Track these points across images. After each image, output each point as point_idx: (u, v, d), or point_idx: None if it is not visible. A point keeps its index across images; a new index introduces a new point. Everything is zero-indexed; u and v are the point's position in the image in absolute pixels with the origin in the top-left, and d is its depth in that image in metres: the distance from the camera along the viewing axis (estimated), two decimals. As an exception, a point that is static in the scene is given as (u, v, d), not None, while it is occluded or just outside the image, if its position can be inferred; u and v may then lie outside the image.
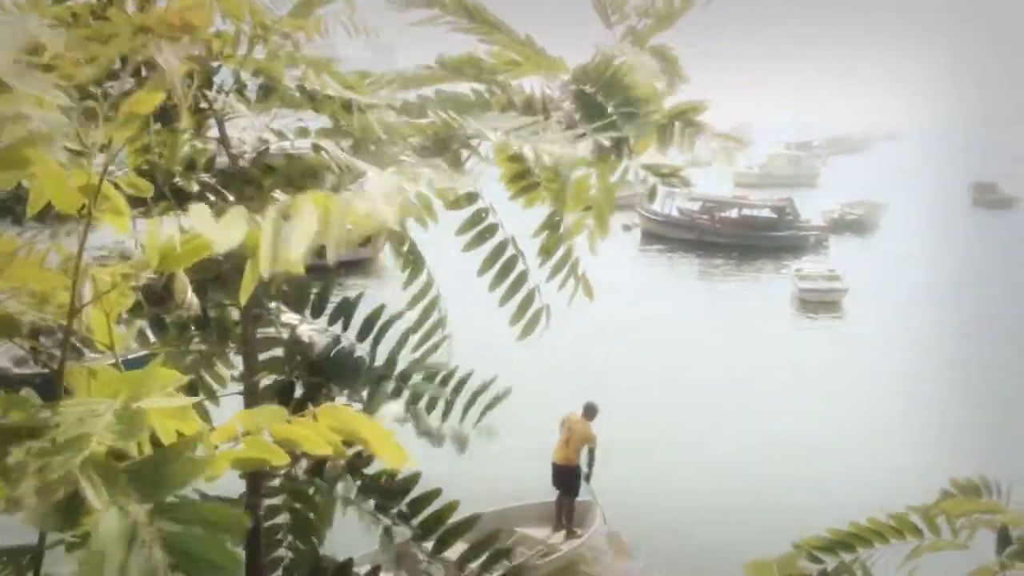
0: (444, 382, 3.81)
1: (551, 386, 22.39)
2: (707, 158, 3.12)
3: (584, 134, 2.92)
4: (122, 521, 1.56)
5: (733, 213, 54.65)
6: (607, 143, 2.89)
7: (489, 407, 3.81)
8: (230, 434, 2.25)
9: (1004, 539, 3.76)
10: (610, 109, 3.02)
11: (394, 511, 3.88)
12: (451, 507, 3.87)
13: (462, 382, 3.85)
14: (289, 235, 1.73)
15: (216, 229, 1.83)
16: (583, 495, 16.77)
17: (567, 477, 16.52)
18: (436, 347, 3.50)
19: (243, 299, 1.86)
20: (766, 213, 54.05)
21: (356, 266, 26.04)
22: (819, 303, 37.05)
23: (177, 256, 1.99)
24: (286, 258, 1.71)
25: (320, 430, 2.08)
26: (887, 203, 63.94)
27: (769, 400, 24.26)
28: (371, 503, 3.88)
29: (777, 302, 38.07)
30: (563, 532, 16.43)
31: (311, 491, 3.80)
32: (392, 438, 2.23)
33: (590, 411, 16.72)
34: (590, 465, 16.44)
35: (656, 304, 36.06)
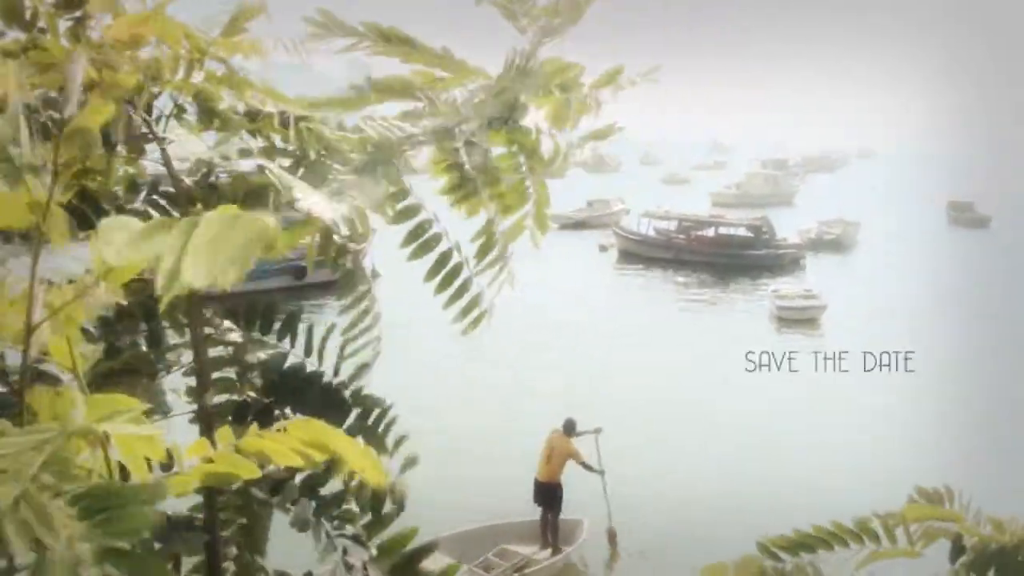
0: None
1: (535, 398, 23.54)
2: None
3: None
4: (66, 558, 1.56)
5: (709, 232, 55.01)
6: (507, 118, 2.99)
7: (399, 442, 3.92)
8: (201, 451, 2.27)
9: (958, 549, 3.78)
10: (522, 97, 3.10)
11: (351, 534, 3.90)
12: (411, 533, 3.90)
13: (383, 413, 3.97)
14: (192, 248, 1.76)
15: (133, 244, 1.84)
16: (575, 512, 16.95)
17: (549, 494, 16.76)
18: (365, 367, 3.56)
19: (161, 308, 1.86)
20: (742, 232, 54.41)
21: (331, 286, 26.41)
22: (798, 320, 37.23)
23: (119, 271, 2.01)
24: (182, 274, 1.73)
25: (291, 442, 2.11)
26: (863, 222, 64.52)
27: (748, 410, 24.44)
28: (328, 524, 3.91)
29: (754, 319, 38.28)
30: (549, 549, 16.57)
31: (257, 507, 3.82)
32: (370, 453, 2.25)
33: (569, 427, 17.12)
34: (590, 469, 16.85)
35: (634, 322, 36.35)
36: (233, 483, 2.57)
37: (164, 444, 1.99)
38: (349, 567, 3.81)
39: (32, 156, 2.08)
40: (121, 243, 1.83)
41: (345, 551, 3.84)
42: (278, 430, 2.11)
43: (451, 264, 3.28)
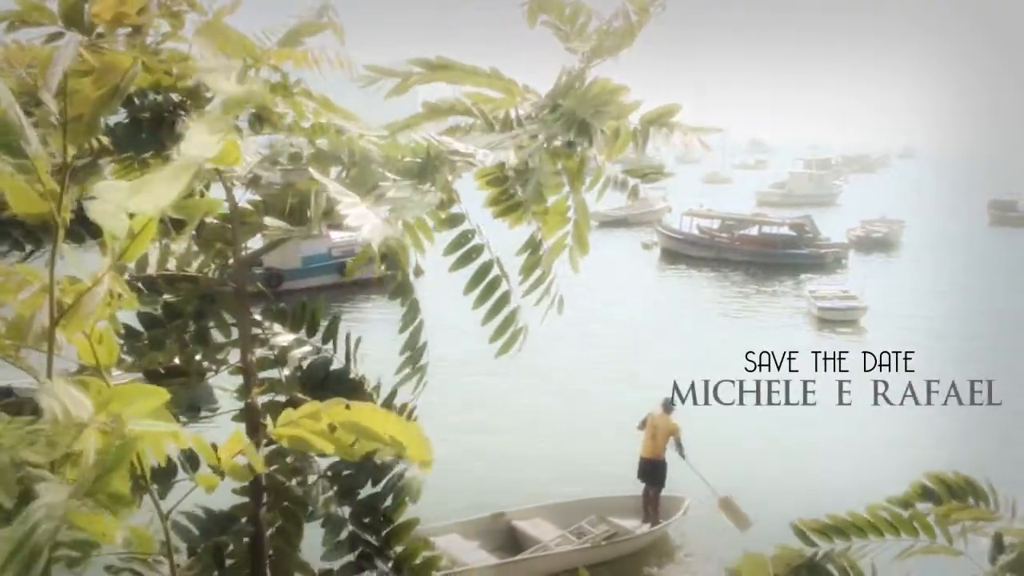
0: None
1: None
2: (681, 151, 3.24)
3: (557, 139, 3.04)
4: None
5: (752, 231, 54.73)
6: (571, 141, 3.01)
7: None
8: (236, 447, 2.33)
9: (998, 545, 3.67)
10: (583, 115, 3.12)
11: (377, 543, 4.00)
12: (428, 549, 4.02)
13: None
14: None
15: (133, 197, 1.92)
16: (667, 488, 17.40)
17: (654, 470, 17.49)
18: (419, 372, 3.59)
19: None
20: (785, 231, 54.03)
21: (371, 284, 27.00)
22: (838, 321, 36.90)
23: (134, 246, 2.06)
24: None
25: (385, 417, 2.16)
26: (906, 221, 63.98)
27: (789, 406, 24.30)
28: (356, 528, 4.01)
29: (795, 319, 38.04)
30: (649, 523, 17.13)
31: (292, 506, 3.91)
32: (422, 434, 2.23)
33: (668, 406, 17.96)
34: (679, 446, 17.36)
35: (675, 318, 36.34)
36: (308, 451, 2.57)
37: (186, 439, 1.98)
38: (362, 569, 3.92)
39: (40, 148, 2.09)
40: (117, 201, 1.91)
41: (367, 556, 3.94)
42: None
43: (490, 276, 3.31)
